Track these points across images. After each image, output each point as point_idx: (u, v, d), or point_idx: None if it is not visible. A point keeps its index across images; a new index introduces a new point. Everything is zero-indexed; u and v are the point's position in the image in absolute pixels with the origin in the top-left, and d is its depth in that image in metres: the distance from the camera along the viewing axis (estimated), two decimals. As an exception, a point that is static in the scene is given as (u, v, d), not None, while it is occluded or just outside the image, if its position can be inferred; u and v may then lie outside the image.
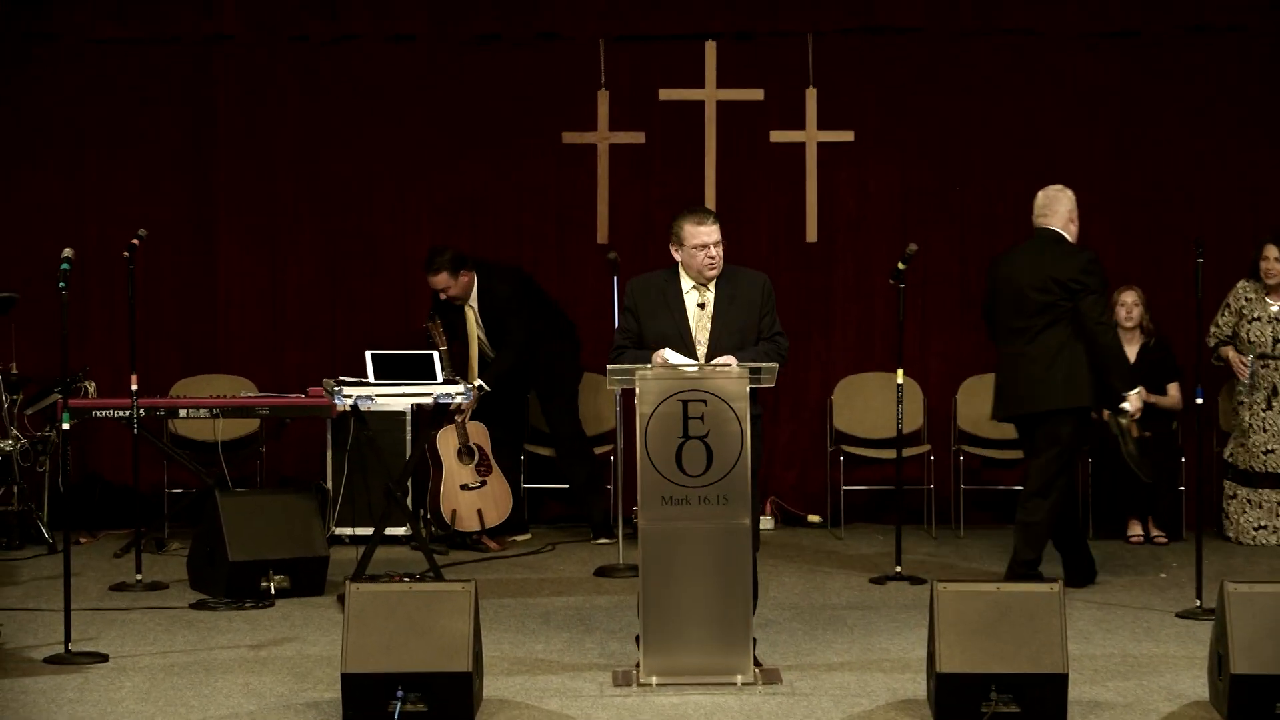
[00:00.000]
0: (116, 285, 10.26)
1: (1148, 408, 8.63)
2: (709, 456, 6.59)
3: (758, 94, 10.77)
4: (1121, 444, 8.36)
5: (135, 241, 8.57)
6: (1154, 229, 10.70)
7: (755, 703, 6.37)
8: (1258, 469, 9.83)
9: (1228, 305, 9.88)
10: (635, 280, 7.16)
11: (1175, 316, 10.40)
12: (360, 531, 9.34)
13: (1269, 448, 9.79)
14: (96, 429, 10.53)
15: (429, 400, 8.45)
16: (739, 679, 6.55)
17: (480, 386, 9.39)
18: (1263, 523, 9.83)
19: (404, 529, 9.63)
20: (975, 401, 10.57)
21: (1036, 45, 10.72)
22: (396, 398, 8.45)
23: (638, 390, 6.63)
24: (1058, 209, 8.44)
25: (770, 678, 6.66)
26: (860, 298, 10.82)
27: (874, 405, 10.62)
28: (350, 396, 8.23)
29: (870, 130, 10.79)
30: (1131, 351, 9.83)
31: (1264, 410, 9.80)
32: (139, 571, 8.59)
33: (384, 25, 10.71)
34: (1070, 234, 8.42)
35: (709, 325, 6.94)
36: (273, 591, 8.22)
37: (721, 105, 10.76)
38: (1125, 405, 8.27)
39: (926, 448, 10.45)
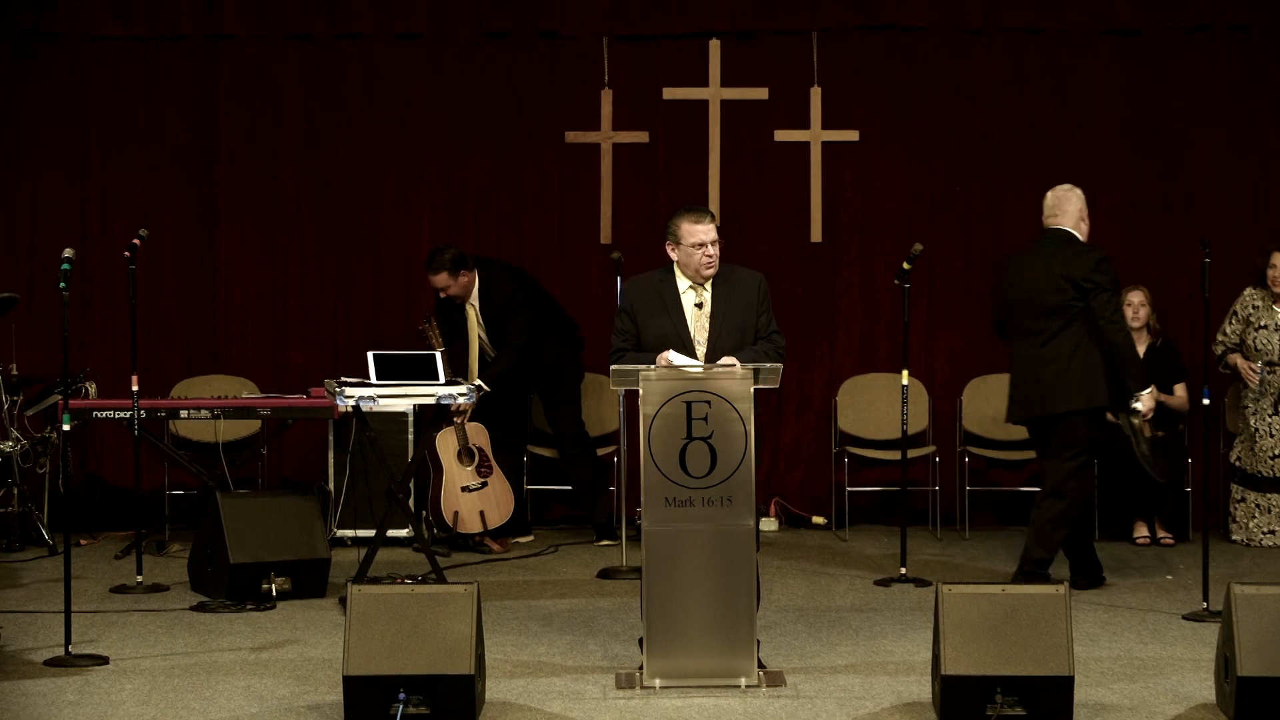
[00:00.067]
0: (117, 285, 10.26)
1: (1158, 407, 8.60)
2: (713, 458, 6.56)
3: (762, 93, 10.74)
4: (1134, 445, 8.32)
5: (136, 241, 8.54)
6: (1160, 228, 10.67)
7: (759, 705, 6.33)
8: (1265, 473, 9.79)
9: (1234, 313, 9.85)
10: (630, 282, 7.14)
11: (1181, 316, 10.38)
12: (362, 533, 9.32)
13: (1276, 452, 9.74)
14: (97, 430, 10.53)
15: (431, 401, 8.42)
16: (743, 681, 6.52)
17: (479, 387, 9.36)
18: (1271, 527, 9.79)
19: (406, 531, 9.62)
20: (980, 402, 10.55)
21: (1042, 44, 10.70)
22: (399, 398, 8.42)
23: (641, 391, 6.59)
24: (1068, 208, 8.41)
25: (774, 680, 6.64)
26: (865, 298, 10.80)
27: (879, 406, 10.59)
28: (352, 397, 8.19)
29: (875, 129, 10.77)
30: (1138, 351, 9.79)
31: (1270, 415, 9.75)
32: (140, 573, 8.56)
33: (387, 24, 10.70)
34: (1081, 233, 8.39)
35: (707, 325, 6.91)
36: (274, 593, 8.18)
37: (726, 104, 10.74)
38: (1137, 405, 8.23)
39: (931, 449, 10.41)
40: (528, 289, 9.98)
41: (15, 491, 9.67)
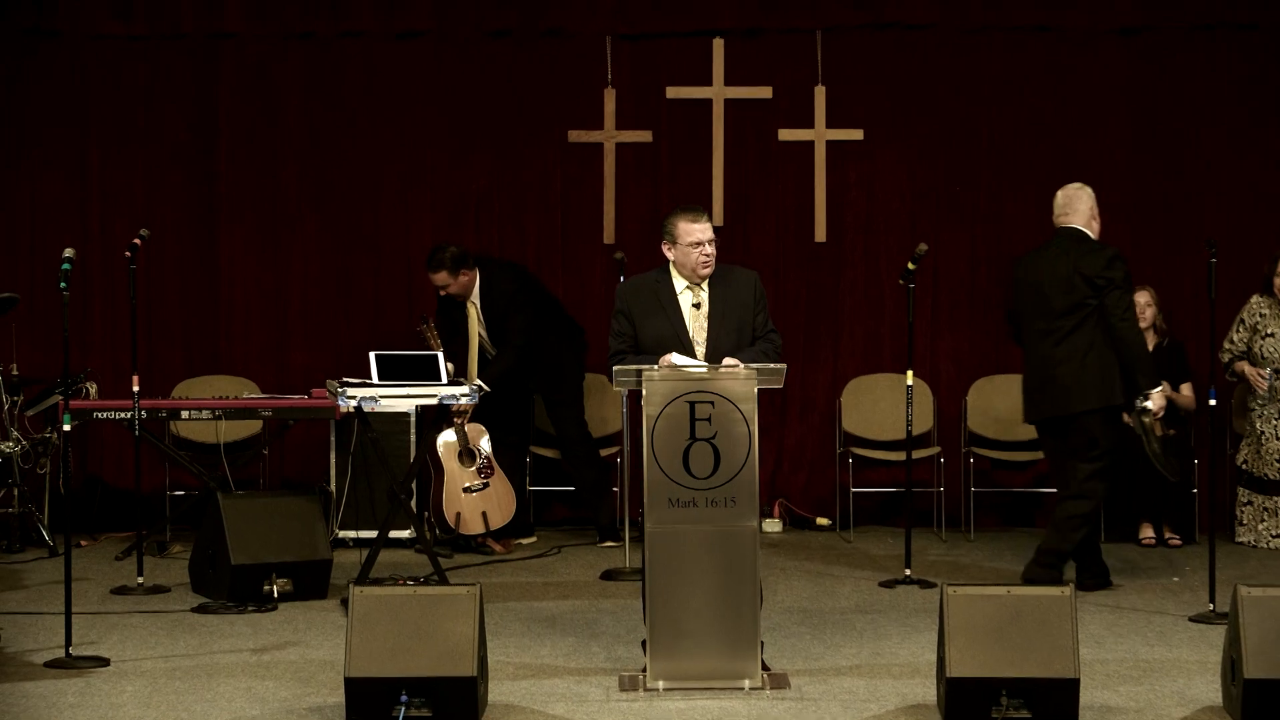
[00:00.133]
0: (118, 285, 10.25)
1: (1168, 406, 8.58)
2: (716, 458, 6.53)
3: (766, 92, 10.72)
4: (1145, 443, 8.30)
5: (137, 241, 8.53)
6: (1165, 228, 10.64)
7: (763, 708, 6.31)
8: (1272, 476, 9.75)
9: (1242, 321, 9.82)
10: (625, 284, 7.13)
11: (1186, 317, 10.34)
12: (364, 534, 9.33)
13: (1282, 455, 9.75)
14: (98, 431, 10.52)
15: (434, 402, 8.40)
16: (747, 683, 6.49)
17: (479, 387, 9.32)
18: (1278, 530, 9.75)
19: (408, 532, 9.60)
20: (985, 403, 10.52)
21: (1046, 43, 10.68)
22: (400, 399, 8.39)
23: (644, 392, 6.57)
24: (1079, 207, 8.40)
25: (778, 682, 6.61)
26: (869, 298, 10.77)
27: (883, 407, 10.57)
28: (354, 398, 8.18)
29: (880, 128, 10.74)
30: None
31: (1277, 418, 9.72)
32: (140, 575, 8.54)
33: (389, 22, 10.67)
34: (1093, 231, 8.40)
35: (706, 325, 6.89)
36: (275, 595, 8.16)
37: (729, 103, 10.72)
38: (1148, 404, 8.21)
39: (936, 450, 10.38)
40: (529, 288, 9.95)
41: (16, 492, 9.65)
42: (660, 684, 6.49)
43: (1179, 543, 9.79)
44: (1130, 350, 8.22)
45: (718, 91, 10.71)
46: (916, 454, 9.77)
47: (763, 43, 10.73)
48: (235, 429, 10.25)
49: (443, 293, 9.75)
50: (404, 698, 5.99)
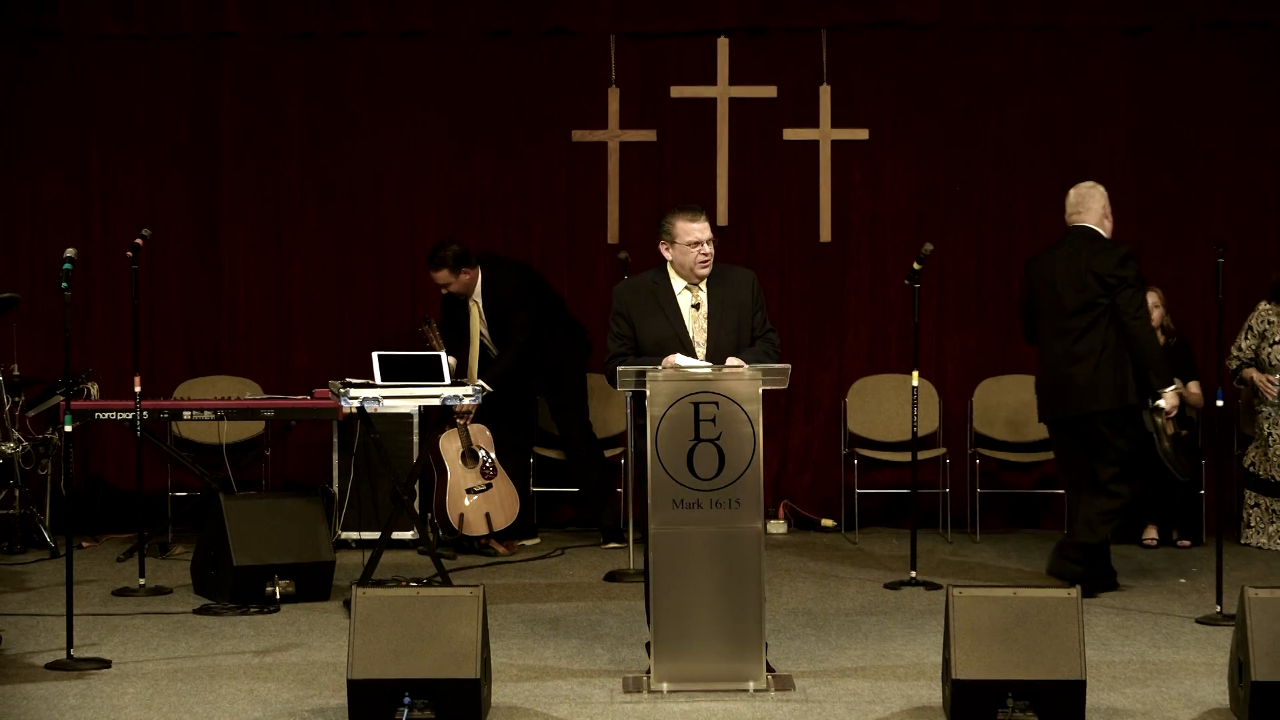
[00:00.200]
0: (119, 285, 10.24)
1: (1180, 405, 8.56)
2: (720, 459, 6.51)
3: (770, 91, 10.69)
4: (1156, 442, 8.28)
5: (139, 241, 8.51)
6: (1171, 227, 10.61)
7: (768, 709, 6.29)
8: (1279, 479, 9.71)
9: (1249, 328, 9.79)
10: (622, 285, 7.11)
11: (1193, 316, 10.32)
12: (366, 535, 9.32)
13: (1289, 458, 9.72)
14: (99, 431, 10.50)
15: (437, 402, 8.37)
16: (751, 685, 6.48)
17: (482, 388, 9.30)
18: (1284, 533, 9.76)
19: (411, 533, 9.58)
20: (992, 403, 10.49)
21: (1052, 41, 10.65)
22: (403, 400, 8.37)
23: (648, 392, 6.56)
24: (1091, 205, 8.39)
25: (783, 684, 6.59)
26: (875, 298, 10.73)
27: (888, 407, 10.54)
28: (357, 398, 8.16)
29: (885, 127, 10.71)
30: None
31: (1284, 421, 9.73)
32: (142, 576, 8.53)
33: (391, 21, 10.65)
34: (1105, 230, 8.40)
35: (706, 326, 6.88)
36: (278, 596, 8.14)
37: (734, 102, 10.68)
38: (1160, 403, 8.19)
39: (942, 450, 10.34)
40: (533, 286, 9.92)
41: (17, 493, 9.63)
42: (664, 686, 6.47)
43: (1188, 544, 9.76)
44: (1143, 349, 8.21)
45: (722, 91, 10.68)
46: (922, 455, 9.74)
47: (767, 42, 10.70)
48: (237, 430, 10.23)
49: (444, 291, 9.72)
50: (407, 699, 5.97)
